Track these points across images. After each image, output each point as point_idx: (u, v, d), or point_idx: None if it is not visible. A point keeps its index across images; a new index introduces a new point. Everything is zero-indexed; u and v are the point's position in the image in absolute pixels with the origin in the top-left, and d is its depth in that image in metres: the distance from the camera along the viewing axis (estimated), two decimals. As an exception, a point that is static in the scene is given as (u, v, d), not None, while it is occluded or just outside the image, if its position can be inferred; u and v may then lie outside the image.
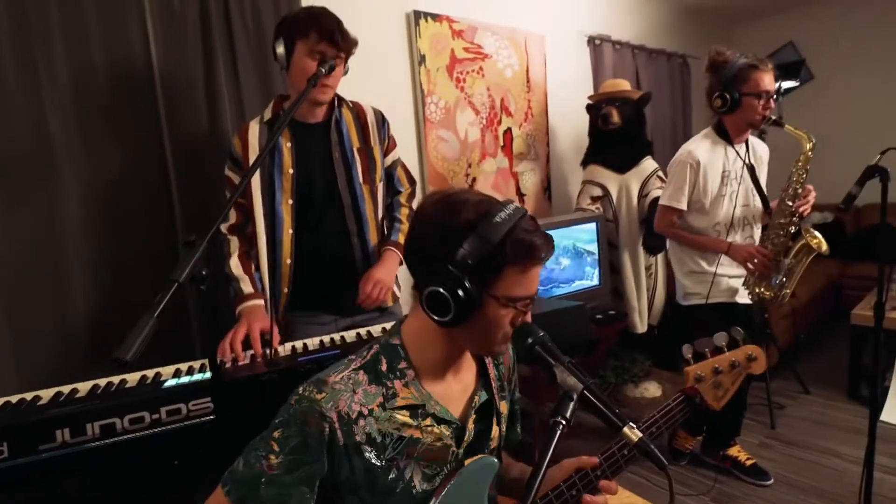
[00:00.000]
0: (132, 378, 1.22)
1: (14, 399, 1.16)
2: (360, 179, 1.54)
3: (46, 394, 1.18)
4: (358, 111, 1.60)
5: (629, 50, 3.50)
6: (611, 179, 2.77)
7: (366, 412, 0.79)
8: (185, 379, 1.13)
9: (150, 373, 1.25)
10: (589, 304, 2.50)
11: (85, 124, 1.62)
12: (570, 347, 1.50)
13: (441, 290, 0.73)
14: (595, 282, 2.61)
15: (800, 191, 1.82)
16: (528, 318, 0.82)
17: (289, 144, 1.48)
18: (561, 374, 0.70)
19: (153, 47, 1.72)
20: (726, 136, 1.94)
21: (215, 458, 0.93)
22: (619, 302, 2.81)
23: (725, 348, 1.05)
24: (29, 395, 1.18)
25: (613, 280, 2.81)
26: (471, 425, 0.87)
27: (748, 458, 2.18)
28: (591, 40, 3.26)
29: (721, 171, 1.94)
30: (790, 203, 1.82)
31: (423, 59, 2.43)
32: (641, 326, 2.84)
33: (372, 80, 2.26)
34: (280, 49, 1.42)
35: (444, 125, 2.55)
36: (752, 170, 1.94)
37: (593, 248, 2.60)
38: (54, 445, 0.95)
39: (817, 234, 1.80)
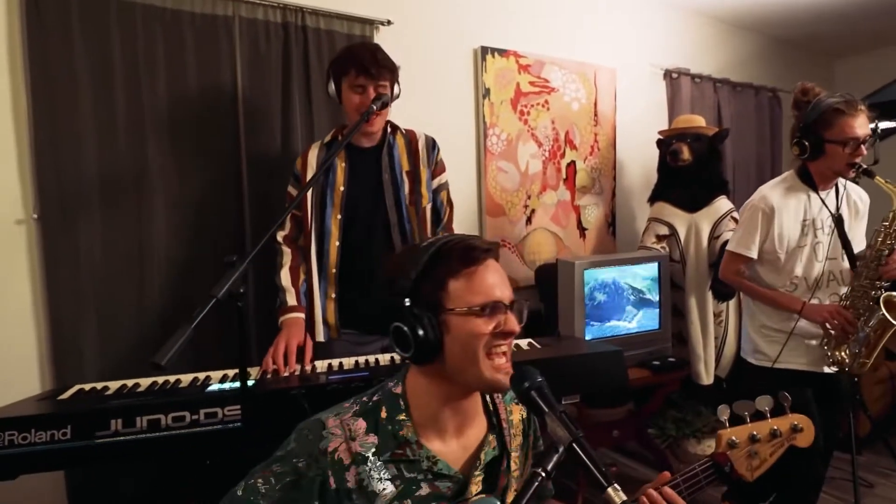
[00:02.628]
0: (186, 379, 1.34)
1: (87, 387, 1.32)
2: (407, 201, 1.63)
3: (114, 385, 1.33)
4: (410, 137, 1.70)
5: (710, 83, 3.36)
6: (679, 218, 2.65)
7: (360, 459, 0.78)
8: (226, 385, 1.23)
9: (202, 375, 1.37)
10: (646, 349, 2.40)
11: (177, 147, 1.84)
12: (603, 393, 1.45)
13: (398, 323, 0.76)
14: (654, 325, 2.47)
15: (885, 254, 1.62)
16: (513, 325, 0.80)
17: (343, 165, 1.61)
18: (552, 423, 0.68)
19: (239, 80, 1.92)
20: (810, 181, 1.77)
21: (241, 464, 1.00)
22: (682, 349, 2.64)
23: (768, 414, 0.96)
24: (100, 385, 1.33)
25: (678, 325, 2.65)
26: (476, 484, 0.83)
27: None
28: (667, 73, 3.17)
29: (802, 220, 1.76)
30: (875, 266, 1.63)
31: (487, 92, 2.49)
32: (707, 378, 2.64)
33: (437, 111, 2.36)
34: (331, 88, 1.60)
35: (505, 157, 2.58)
36: (839, 222, 1.74)
37: (654, 288, 2.47)
38: (108, 433, 1.07)
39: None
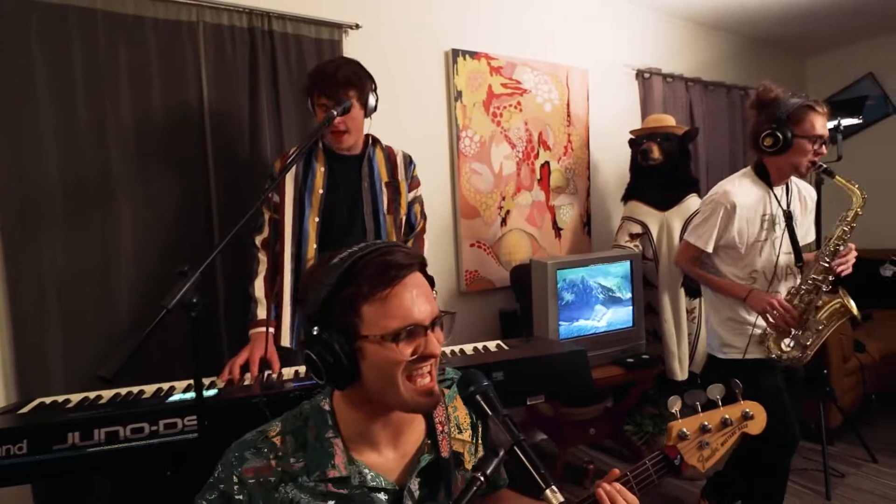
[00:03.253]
0: (149, 390, 1.33)
1: (48, 400, 1.31)
2: (385, 209, 1.66)
3: (76, 398, 1.31)
4: (389, 152, 1.74)
5: (682, 83, 3.40)
6: (651, 217, 2.68)
7: (287, 479, 0.77)
8: (188, 395, 1.22)
9: (166, 386, 1.36)
10: (620, 347, 2.42)
11: (142, 158, 1.82)
12: (569, 393, 1.47)
13: (307, 352, 0.73)
14: (628, 323, 2.50)
15: (841, 248, 1.67)
16: (433, 347, 0.76)
17: (322, 169, 1.62)
18: (495, 426, 0.69)
19: (205, 86, 1.90)
20: (766, 178, 1.83)
21: (203, 475, 1.00)
22: (657, 345, 2.68)
23: (720, 403, 0.98)
24: (61, 398, 1.32)
25: (652, 322, 2.69)
26: (414, 489, 0.82)
27: (788, 532, 1.97)
28: (639, 74, 3.21)
29: (762, 215, 1.82)
30: (828, 260, 1.68)
31: (459, 95, 2.50)
32: (682, 374, 2.67)
33: (409, 115, 2.36)
34: (308, 105, 1.64)
35: (479, 158, 2.59)
36: (789, 217, 1.80)
37: (627, 287, 2.50)
38: (65, 447, 1.06)
39: (851, 300, 1.65)
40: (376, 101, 1.65)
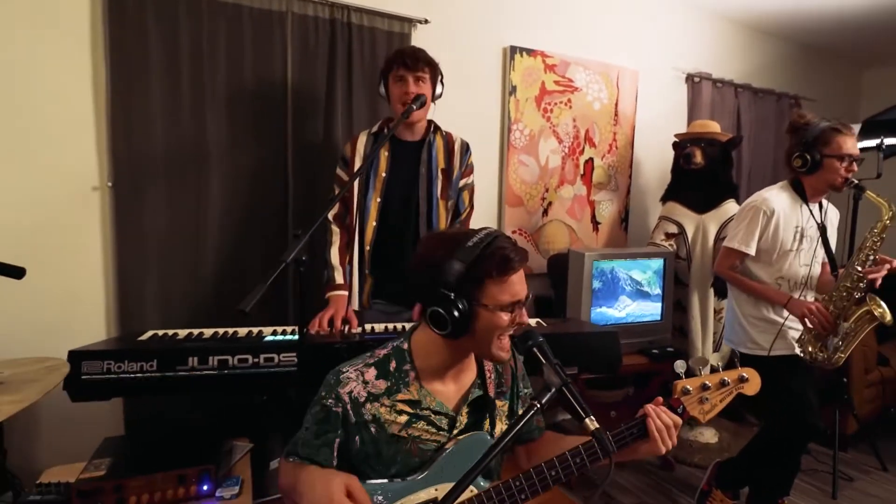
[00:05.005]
0: (242, 331, 1.58)
1: (160, 332, 1.56)
2: (439, 194, 1.82)
3: (182, 332, 1.56)
4: (448, 139, 1.89)
5: (731, 88, 3.46)
6: (688, 218, 2.80)
7: (372, 399, 1.00)
8: (279, 337, 1.46)
9: (255, 329, 1.60)
10: (647, 338, 2.58)
11: (232, 130, 2.06)
12: (597, 367, 1.64)
13: (439, 309, 0.94)
14: (657, 316, 2.65)
15: (871, 257, 1.79)
16: (525, 318, 1.00)
17: (386, 154, 1.81)
18: (548, 371, 0.89)
19: (290, 70, 2.12)
20: (802, 193, 1.95)
21: (288, 402, 1.22)
22: (682, 340, 2.81)
23: (720, 368, 1.14)
24: (171, 332, 1.57)
25: (679, 318, 2.82)
26: (463, 416, 1.06)
27: (793, 518, 2.11)
28: (689, 77, 3.29)
29: (795, 226, 1.95)
30: (859, 268, 1.79)
31: (514, 89, 2.65)
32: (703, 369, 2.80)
33: (466, 106, 2.53)
34: (381, 89, 1.81)
35: (527, 151, 2.75)
36: (823, 231, 1.93)
37: (658, 283, 2.64)
38: (186, 368, 1.31)
39: (882, 303, 1.76)
40: (442, 89, 1.83)
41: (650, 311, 2.64)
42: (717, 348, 2.84)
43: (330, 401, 0.99)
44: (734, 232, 2.05)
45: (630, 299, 2.59)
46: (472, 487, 0.99)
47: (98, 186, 1.91)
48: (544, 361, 0.91)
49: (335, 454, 1.00)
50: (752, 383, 1.14)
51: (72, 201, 1.88)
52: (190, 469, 1.24)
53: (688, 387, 1.11)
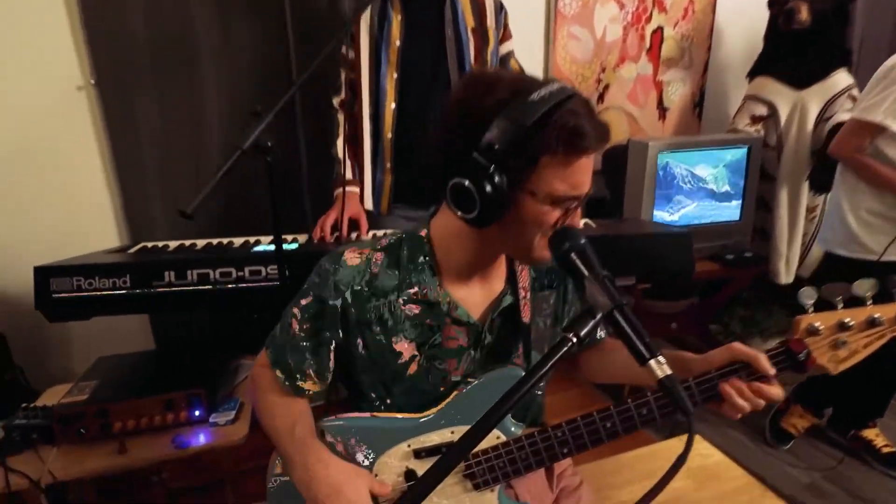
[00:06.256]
0: (238, 241, 1.38)
1: (150, 245, 1.40)
2: (472, 61, 1.49)
3: (174, 243, 1.40)
4: None
5: (852, -75, 2.67)
6: (783, 96, 2.26)
7: (379, 293, 0.78)
8: (268, 247, 1.25)
9: (253, 239, 1.41)
10: (720, 242, 2.21)
11: (222, 15, 1.75)
12: (665, 278, 1.34)
13: (465, 182, 0.66)
14: (734, 216, 2.25)
15: None
16: (577, 221, 0.71)
17: (399, 17, 1.45)
18: (591, 287, 0.60)
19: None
20: None
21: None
22: (763, 244, 2.42)
23: (869, 300, 0.80)
24: (161, 243, 1.40)
25: (762, 218, 2.40)
26: (490, 330, 0.82)
27: (886, 446, 1.82)
28: (796, -88, 2.54)
29: None
30: None
31: (563, -62, 2.12)
32: (786, 276, 2.42)
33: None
34: None
35: (579, 20, 2.25)
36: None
37: (739, 177, 2.21)
38: (163, 283, 1.13)
39: None
40: None
41: (726, 209, 2.24)
42: (805, 254, 2.42)
43: (327, 291, 0.77)
44: (872, 100, 1.58)
45: (701, 196, 2.19)
46: (498, 433, 0.80)
47: (83, 86, 1.71)
48: (587, 273, 0.62)
49: (332, 359, 0.81)
50: None
51: (59, 104, 1.70)
52: (176, 393, 1.10)
53: (817, 325, 0.78)
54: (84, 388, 1.12)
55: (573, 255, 0.64)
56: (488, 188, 0.64)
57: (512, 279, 0.84)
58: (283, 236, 1.35)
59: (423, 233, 0.80)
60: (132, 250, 1.35)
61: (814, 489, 1.75)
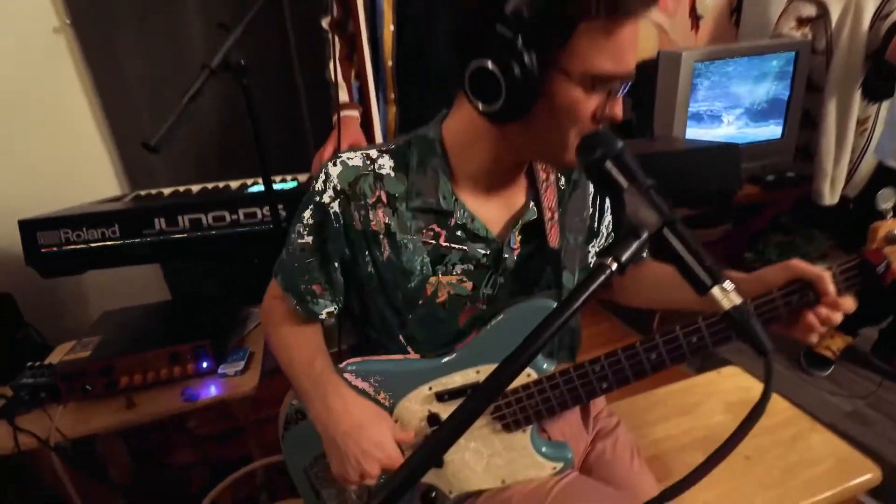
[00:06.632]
0: (234, 184, 1.29)
1: (143, 192, 1.31)
2: None
3: (168, 190, 1.31)
4: None
5: None
6: (835, -7, 1.99)
7: (385, 200, 0.68)
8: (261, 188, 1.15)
9: (251, 181, 1.30)
10: (759, 162, 2.03)
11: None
12: (707, 199, 1.20)
13: (488, 63, 0.53)
14: (776, 133, 2.05)
15: None
16: (618, 111, 0.59)
17: None
18: (633, 201, 0.47)
19: None
20: None
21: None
22: (806, 163, 2.22)
23: None
24: (155, 191, 1.32)
25: (805, 136, 2.19)
26: (515, 247, 0.72)
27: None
28: None
29: None
30: None
31: None
32: (831, 197, 2.23)
33: None
34: None
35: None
36: None
37: (783, 88, 1.99)
38: (153, 231, 1.05)
39: None
40: None
41: (766, 126, 2.03)
42: (852, 171, 2.22)
43: (327, 196, 0.68)
44: None
45: (740, 113, 1.99)
46: (528, 370, 0.71)
47: (59, 27, 1.59)
48: (626, 185, 0.48)
49: (339, 273, 0.72)
50: None
51: (35, 49, 1.58)
52: (182, 346, 1.04)
53: None
54: (87, 344, 1.07)
55: (608, 164, 0.50)
56: (516, 69, 0.53)
57: (535, 196, 0.73)
58: (284, 176, 1.26)
59: (434, 135, 0.69)
60: (126, 199, 1.27)
61: (856, 416, 1.68)
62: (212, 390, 1.05)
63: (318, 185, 0.69)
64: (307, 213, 0.71)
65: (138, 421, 0.99)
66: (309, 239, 0.71)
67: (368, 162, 0.69)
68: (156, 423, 1.06)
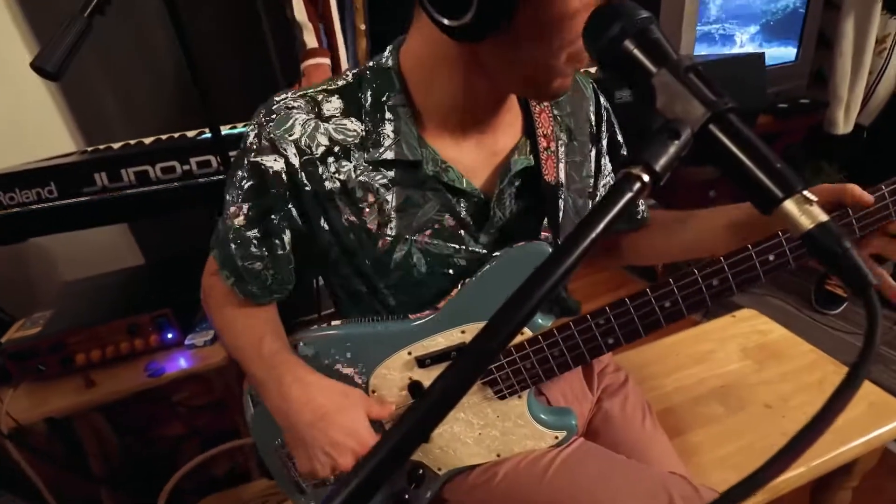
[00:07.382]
0: (192, 133, 1.16)
1: (90, 148, 1.18)
2: None
3: (118, 144, 1.17)
4: None
5: None
6: None
7: (338, 150, 0.56)
8: (233, 131, 1.02)
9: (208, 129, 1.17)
10: (771, 89, 1.87)
11: None
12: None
13: None
14: (790, 56, 1.88)
15: None
16: None
17: None
18: (666, 90, 0.32)
19: None
20: None
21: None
22: (819, 89, 2.06)
23: None
24: (103, 146, 1.18)
25: (820, 59, 2.02)
26: (504, 198, 0.60)
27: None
28: None
29: None
30: None
31: None
32: (845, 126, 2.08)
33: None
34: None
35: None
36: None
37: (798, 6, 1.81)
38: (95, 189, 0.92)
39: None
40: None
41: (781, 48, 1.87)
42: (868, 94, 2.07)
43: (263, 153, 0.55)
44: None
45: (750, 33, 1.81)
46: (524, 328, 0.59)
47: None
48: (655, 69, 0.32)
49: (289, 246, 0.60)
50: None
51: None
52: (139, 317, 0.94)
53: None
54: (38, 319, 0.97)
55: (628, 44, 0.34)
56: None
57: (529, 127, 0.60)
58: (248, 122, 1.13)
59: (390, 63, 0.55)
60: (70, 157, 1.13)
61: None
62: (181, 363, 0.95)
63: (251, 140, 0.56)
64: (239, 175, 0.57)
65: (101, 401, 0.91)
66: (245, 207, 0.57)
67: (311, 105, 0.56)
68: (127, 399, 0.98)
